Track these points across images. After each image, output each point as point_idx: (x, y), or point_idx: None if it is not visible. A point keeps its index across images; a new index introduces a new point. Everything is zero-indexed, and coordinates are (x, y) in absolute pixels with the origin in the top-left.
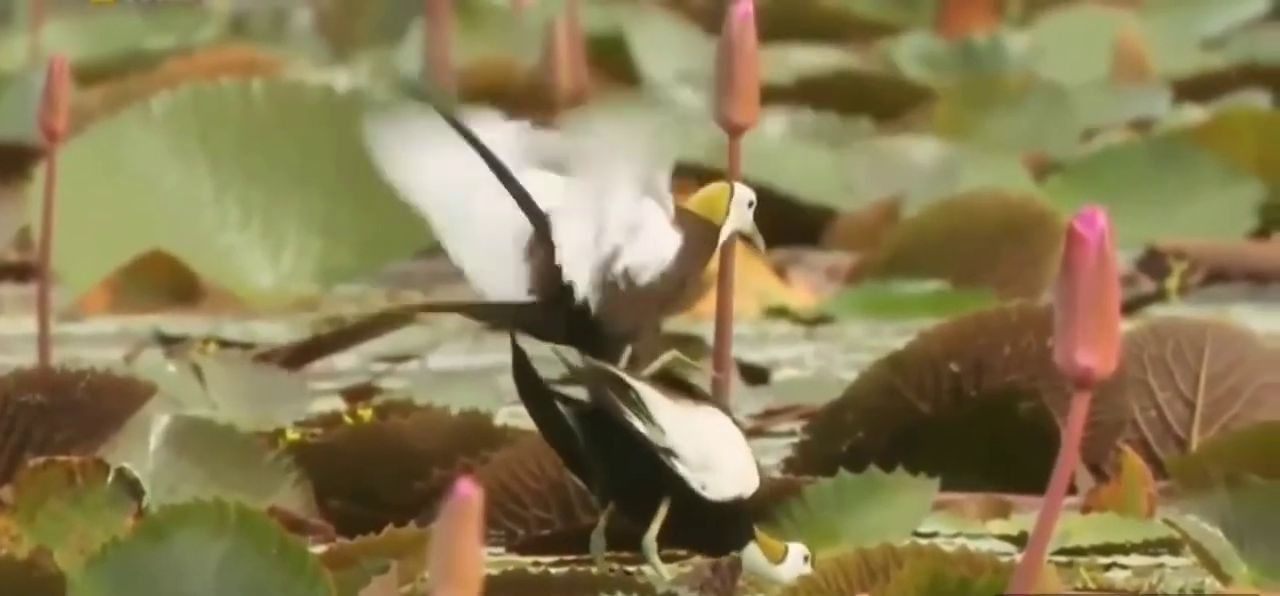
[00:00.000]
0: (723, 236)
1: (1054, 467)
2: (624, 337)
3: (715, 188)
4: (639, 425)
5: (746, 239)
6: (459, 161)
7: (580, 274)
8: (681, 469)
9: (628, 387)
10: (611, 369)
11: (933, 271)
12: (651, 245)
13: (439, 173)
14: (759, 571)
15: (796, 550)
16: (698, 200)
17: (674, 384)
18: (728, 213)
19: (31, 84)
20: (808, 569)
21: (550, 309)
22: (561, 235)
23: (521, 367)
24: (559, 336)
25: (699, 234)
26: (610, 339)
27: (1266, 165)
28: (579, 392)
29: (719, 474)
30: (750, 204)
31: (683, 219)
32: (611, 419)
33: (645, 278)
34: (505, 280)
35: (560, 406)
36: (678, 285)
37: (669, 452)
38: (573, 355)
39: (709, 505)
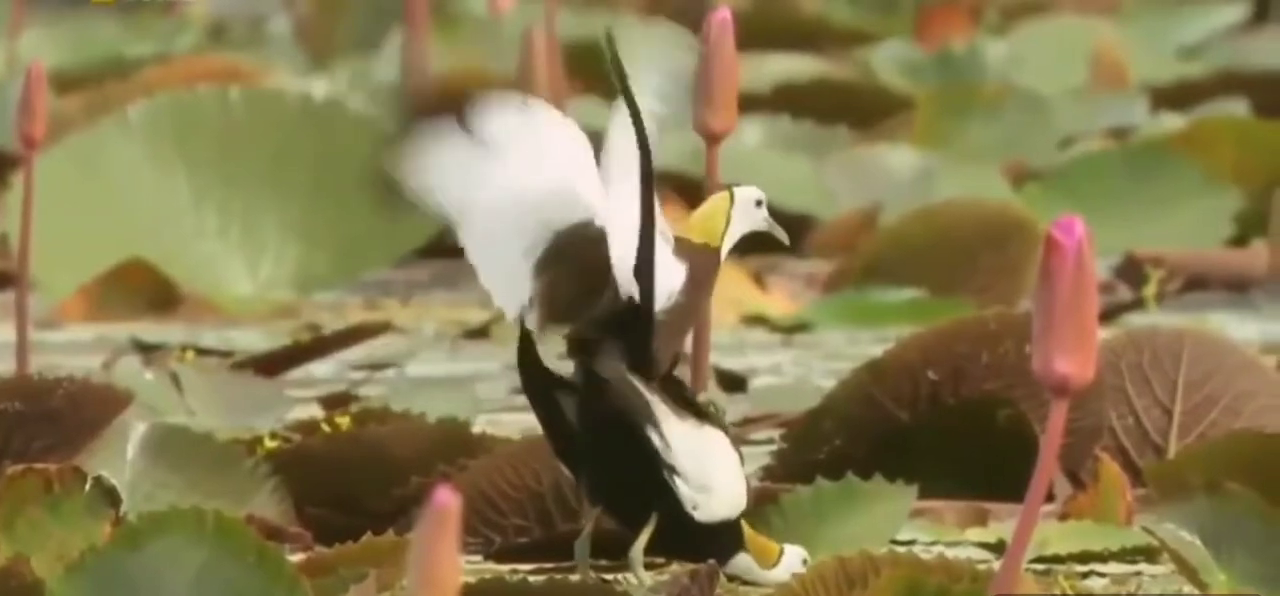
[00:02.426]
0: (726, 250)
1: (1032, 475)
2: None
3: (715, 200)
4: (651, 436)
5: (765, 235)
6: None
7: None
8: (681, 486)
9: (643, 398)
10: (629, 376)
11: (911, 279)
12: (660, 277)
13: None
14: (750, 577)
15: (793, 553)
16: (698, 218)
17: (683, 401)
18: (728, 225)
19: (9, 91)
20: (804, 572)
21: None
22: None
23: (527, 354)
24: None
25: (701, 263)
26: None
27: (1244, 173)
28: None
29: (713, 496)
30: (759, 202)
31: (682, 248)
32: (622, 425)
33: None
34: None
35: (563, 398)
36: (684, 316)
37: (671, 469)
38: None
39: (697, 524)
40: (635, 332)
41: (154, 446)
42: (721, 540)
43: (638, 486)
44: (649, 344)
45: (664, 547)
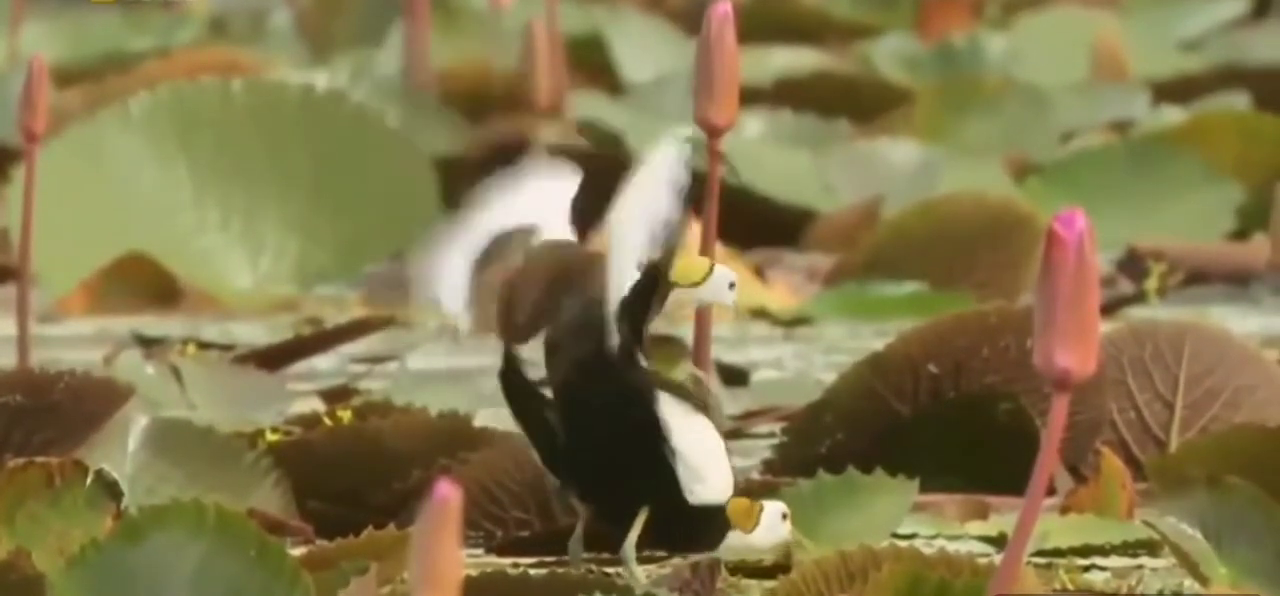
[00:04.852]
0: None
1: (1033, 469)
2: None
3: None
4: (658, 419)
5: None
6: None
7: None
8: (681, 471)
9: (649, 381)
10: (638, 360)
11: (912, 273)
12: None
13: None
14: (737, 549)
15: (773, 509)
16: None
17: (676, 388)
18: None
19: (10, 85)
20: (787, 526)
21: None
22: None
23: (509, 362)
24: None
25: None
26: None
27: (1245, 166)
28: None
29: (707, 481)
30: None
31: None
32: (629, 408)
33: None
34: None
35: (547, 405)
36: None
37: (674, 452)
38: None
39: (692, 510)
40: (630, 323)
41: (155, 440)
42: (714, 525)
43: (633, 476)
44: (642, 333)
45: (659, 538)
